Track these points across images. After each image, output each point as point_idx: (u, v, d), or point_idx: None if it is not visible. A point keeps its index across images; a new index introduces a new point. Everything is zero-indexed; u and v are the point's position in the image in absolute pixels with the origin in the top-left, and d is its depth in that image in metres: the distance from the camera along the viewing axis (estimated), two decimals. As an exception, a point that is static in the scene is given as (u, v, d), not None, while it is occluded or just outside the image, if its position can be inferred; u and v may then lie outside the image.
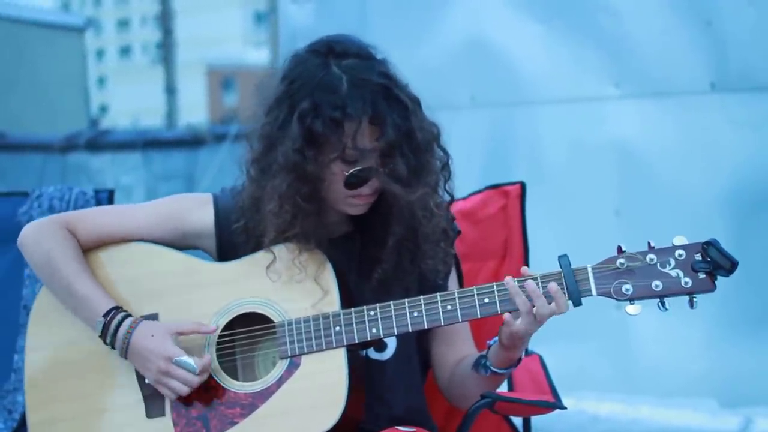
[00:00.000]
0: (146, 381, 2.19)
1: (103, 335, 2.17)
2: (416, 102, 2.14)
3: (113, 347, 2.18)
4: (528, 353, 2.54)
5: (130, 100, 57.08)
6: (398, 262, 2.22)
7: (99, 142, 11.20)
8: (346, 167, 2.11)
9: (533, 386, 2.35)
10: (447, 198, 2.26)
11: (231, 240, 2.26)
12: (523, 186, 2.66)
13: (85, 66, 22.67)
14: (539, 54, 4.61)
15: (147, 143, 11.23)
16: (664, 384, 4.35)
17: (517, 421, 2.51)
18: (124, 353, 2.17)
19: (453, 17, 4.82)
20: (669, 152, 4.32)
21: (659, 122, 4.35)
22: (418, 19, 4.91)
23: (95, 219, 2.31)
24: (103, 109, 56.03)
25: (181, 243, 2.30)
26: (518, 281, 2.06)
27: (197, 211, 2.29)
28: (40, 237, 2.26)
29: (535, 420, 2.42)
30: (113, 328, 2.16)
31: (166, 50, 20.57)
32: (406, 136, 2.10)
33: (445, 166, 2.21)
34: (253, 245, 2.22)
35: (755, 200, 4.14)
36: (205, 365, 2.12)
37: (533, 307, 2.03)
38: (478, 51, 4.73)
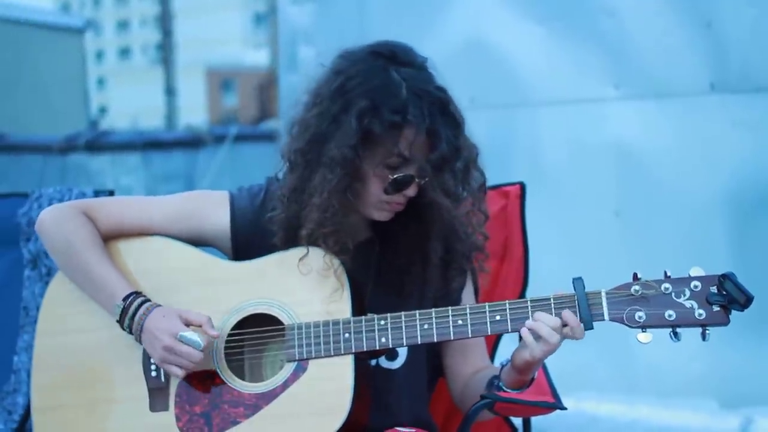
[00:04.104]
0: (152, 371, 2.19)
1: (121, 319, 2.18)
2: (464, 121, 2.16)
3: (130, 331, 2.18)
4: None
5: (130, 102, 57.05)
6: (434, 280, 2.23)
7: (99, 143, 11.20)
8: (390, 171, 2.12)
9: (533, 387, 2.35)
10: (482, 218, 2.28)
11: (247, 237, 2.27)
12: (522, 187, 2.66)
13: (84, 67, 22.67)
14: (539, 55, 4.61)
15: (146, 144, 11.24)
16: (664, 384, 4.35)
17: (517, 421, 2.51)
18: (139, 335, 2.17)
19: (452, 19, 4.82)
20: (669, 153, 4.32)
21: (659, 123, 4.35)
22: (417, 21, 4.91)
23: (114, 208, 2.32)
24: (103, 110, 55.99)
25: (196, 240, 2.31)
26: (532, 302, 2.06)
27: (213, 212, 2.29)
28: (59, 221, 2.27)
29: (535, 420, 2.42)
30: (132, 312, 2.17)
31: (165, 51, 20.58)
32: (456, 152, 2.12)
33: (481, 186, 2.23)
34: (284, 235, 2.21)
35: (755, 201, 4.14)
36: (210, 342, 2.13)
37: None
38: (477, 52, 4.73)
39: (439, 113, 2.10)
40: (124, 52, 65.36)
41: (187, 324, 2.15)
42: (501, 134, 4.75)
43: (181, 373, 2.14)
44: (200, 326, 2.15)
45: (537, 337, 2.04)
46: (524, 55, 4.65)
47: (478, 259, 2.31)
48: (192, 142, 11.57)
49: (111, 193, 2.86)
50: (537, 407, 2.19)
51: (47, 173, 10.71)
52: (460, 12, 4.81)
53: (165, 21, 20.72)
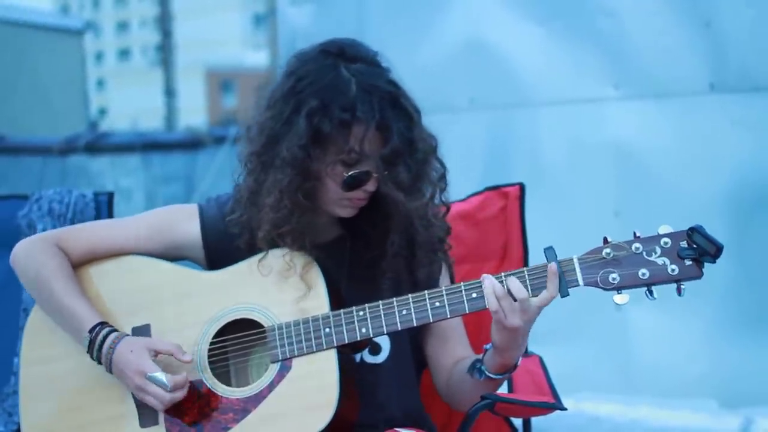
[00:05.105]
0: None
1: (89, 350, 2.18)
2: (419, 113, 2.16)
3: (99, 362, 2.18)
4: (528, 354, 2.55)
5: (130, 103, 57.08)
6: (396, 272, 2.24)
7: (98, 144, 11.18)
8: (345, 169, 2.13)
9: (533, 387, 2.35)
10: (443, 210, 2.29)
11: (219, 246, 2.28)
12: (522, 187, 2.66)
13: (84, 69, 22.70)
14: (538, 55, 4.61)
15: (146, 146, 11.22)
16: (664, 384, 4.35)
17: (518, 422, 2.51)
18: (109, 368, 2.17)
19: (452, 19, 4.82)
20: (668, 153, 4.32)
21: (658, 123, 4.35)
22: (416, 21, 4.91)
23: (85, 234, 2.33)
24: (103, 112, 56.01)
25: (171, 254, 2.31)
26: (497, 277, 2.06)
27: (184, 223, 2.31)
28: (30, 255, 2.28)
29: (536, 421, 2.42)
30: (98, 344, 2.17)
31: (165, 52, 20.57)
32: (409, 145, 2.12)
33: (442, 177, 2.23)
34: (248, 238, 2.23)
35: (754, 200, 4.14)
36: (178, 382, 2.11)
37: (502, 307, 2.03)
38: (477, 53, 4.73)
39: (390, 107, 2.10)
40: (124, 54, 65.36)
41: (157, 354, 2.15)
42: (500, 135, 4.76)
43: (159, 408, 2.14)
44: (171, 355, 2.15)
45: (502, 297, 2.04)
46: (524, 55, 4.65)
47: (443, 250, 2.31)
48: (192, 143, 11.56)
49: (111, 195, 2.87)
50: (537, 407, 2.19)
51: (47, 175, 10.70)
52: (460, 13, 4.81)
53: (164, 22, 20.71)
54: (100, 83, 61.39)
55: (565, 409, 2.15)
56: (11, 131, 14.06)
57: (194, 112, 46.29)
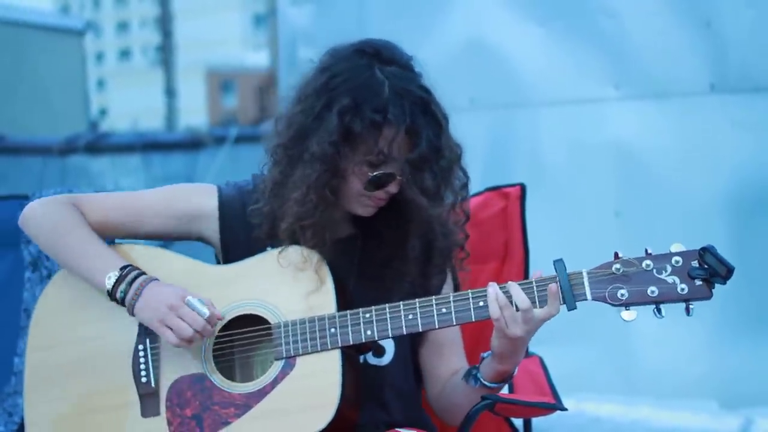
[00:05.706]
0: (142, 377, 2.19)
1: (114, 287, 2.16)
2: (447, 120, 2.17)
3: (123, 299, 2.15)
4: (528, 354, 2.54)
5: (130, 103, 57.10)
6: (409, 275, 2.25)
7: (99, 144, 11.19)
8: (370, 169, 2.13)
9: (534, 387, 2.35)
10: (462, 218, 2.30)
11: (234, 225, 2.28)
12: (523, 188, 2.66)
13: (84, 69, 22.70)
14: (539, 56, 4.62)
15: (146, 146, 11.23)
16: (665, 385, 4.35)
17: (518, 422, 2.51)
18: (133, 304, 2.15)
19: (452, 19, 4.82)
20: (669, 153, 4.32)
21: (659, 123, 4.35)
22: (417, 21, 4.92)
23: (100, 200, 2.32)
24: (103, 112, 56.05)
25: (184, 229, 2.30)
26: (501, 287, 2.06)
27: (200, 196, 2.31)
28: (47, 208, 2.27)
29: (536, 421, 2.42)
30: (130, 279, 2.15)
31: (165, 53, 20.61)
32: (436, 152, 2.13)
33: (464, 186, 2.24)
34: (267, 228, 2.23)
35: (755, 201, 4.14)
36: (215, 313, 2.12)
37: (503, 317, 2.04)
38: (477, 53, 4.73)
39: (421, 113, 2.11)
40: (124, 54, 65.39)
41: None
42: (501, 135, 4.76)
43: (176, 340, 2.11)
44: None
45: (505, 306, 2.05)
46: (524, 55, 4.65)
47: (459, 258, 2.32)
48: (192, 143, 11.57)
49: (111, 195, 2.87)
50: (537, 408, 2.19)
51: (47, 175, 10.70)
52: (461, 13, 4.82)
53: (165, 22, 20.75)
54: (101, 83, 61.41)
55: (566, 409, 2.15)
56: (11, 131, 14.06)
57: (194, 113, 46.30)
